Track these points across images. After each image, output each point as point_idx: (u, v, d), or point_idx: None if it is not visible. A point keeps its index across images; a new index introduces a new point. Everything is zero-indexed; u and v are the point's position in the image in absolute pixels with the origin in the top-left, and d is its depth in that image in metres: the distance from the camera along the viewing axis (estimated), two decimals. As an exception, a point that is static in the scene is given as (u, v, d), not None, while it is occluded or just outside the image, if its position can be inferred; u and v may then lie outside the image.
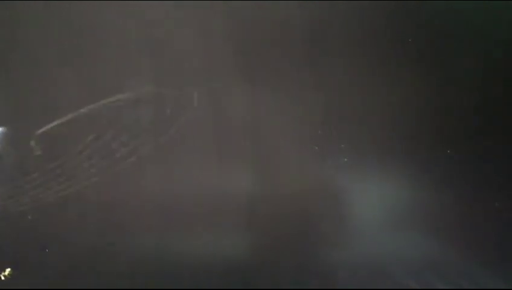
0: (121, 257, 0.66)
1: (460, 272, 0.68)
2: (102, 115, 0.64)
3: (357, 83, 0.66)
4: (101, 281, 0.66)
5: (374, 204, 0.68)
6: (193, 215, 0.66)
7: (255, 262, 0.68)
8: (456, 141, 0.66)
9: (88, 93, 0.64)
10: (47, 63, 0.64)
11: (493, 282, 0.67)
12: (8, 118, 0.65)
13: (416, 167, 0.67)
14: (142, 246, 0.67)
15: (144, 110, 0.65)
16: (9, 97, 0.65)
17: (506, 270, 0.67)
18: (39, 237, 0.66)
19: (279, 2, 0.64)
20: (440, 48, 0.65)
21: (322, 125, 0.66)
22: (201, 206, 0.66)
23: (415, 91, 0.66)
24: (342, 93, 0.66)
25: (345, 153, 0.66)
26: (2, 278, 0.64)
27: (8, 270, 0.65)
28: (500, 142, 0.66)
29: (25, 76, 0.64)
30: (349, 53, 0.65)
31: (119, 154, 0.65)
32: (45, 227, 0.66)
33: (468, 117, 0.66)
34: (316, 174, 0.67)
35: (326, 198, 0.67)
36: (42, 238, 0.66)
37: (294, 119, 0.66)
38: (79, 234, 0.66)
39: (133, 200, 0.66)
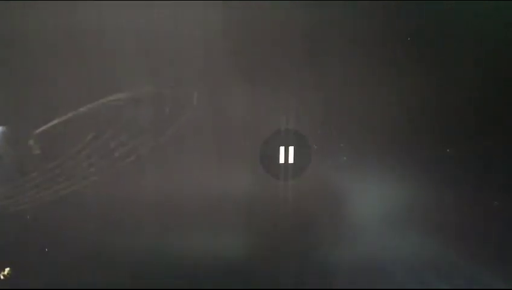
0: (120, 257, 0.66)
1: (460, 272, 0.68)
2: (101, 115, 0.64)
3: (357, 83, 0.66)
4: (100, 281, 0.66)
5: (374, 204, 0.68)
6: (192, 215, 0.66)
7: (255, 262, 0.68)
8: (456, 141, 0.66)
9: (87, 93, 0.64)
10: (47, 62, 0.64)
11: (493, 282, 0.67)
12: (7, 118, 0.65)
13: (416, 167, 0.67)
14: (141, 245, 0.67)
15: (143, 110, 0.65)
16: (9, 97, 0.65)
17: (506, 270, 0.67)
18: (38, 236, 0.66)
19: (279, 2, 0.64)
20: (440, 48, 0.65)
21: (322, 125, 0.66)
22: (201, 206, 0.66)
23: (415, 91, 0.66)
24: (341, 93, 0.66)
25: (345, 152, 0.66)
26: (1, 277, 0.64)
27: (7, 269, 0.65)
28: (500, 142, 0.66)
29: (24, 76, 0.64)
30: (349, 53, 0.65)
31: (118, 154, 0.65)
32: (44, 227, 0.65)
33: (468, 117, 0.66)
34: (316, 174, 0.67)
35: (326, 198, 0.67)
36: (41, 238, 0.66)
37: (294, 119, 0.66)
38: (78, 233, 0.66)
39: (132, 199, 0.65)
